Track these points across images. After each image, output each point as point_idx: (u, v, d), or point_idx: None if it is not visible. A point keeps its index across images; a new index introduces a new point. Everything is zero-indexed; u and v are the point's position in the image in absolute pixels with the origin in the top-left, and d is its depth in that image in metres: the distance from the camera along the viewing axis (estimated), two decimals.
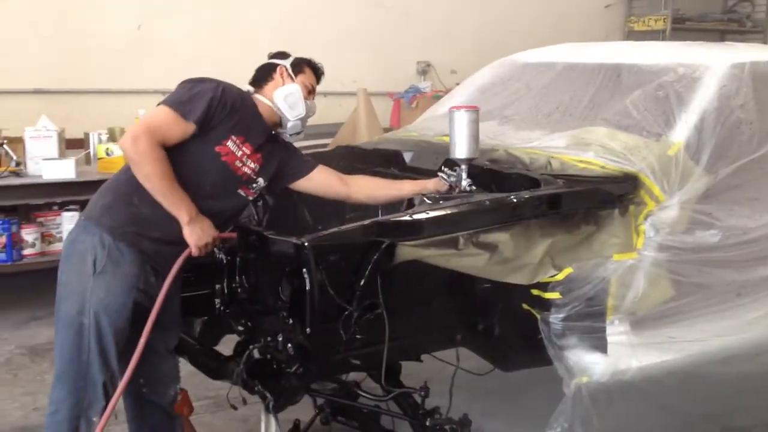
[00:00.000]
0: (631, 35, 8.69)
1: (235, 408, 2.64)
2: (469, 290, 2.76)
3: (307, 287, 2.35)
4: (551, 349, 2.69)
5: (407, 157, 3.33)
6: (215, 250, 2.70)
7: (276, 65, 2.87)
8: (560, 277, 2.66)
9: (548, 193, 2.71)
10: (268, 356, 2.53)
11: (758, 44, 4.98)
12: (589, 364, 2.75)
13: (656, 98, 3.12)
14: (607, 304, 2.73)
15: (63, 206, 5.06)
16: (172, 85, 2.72)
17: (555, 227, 2.67)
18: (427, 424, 2.85)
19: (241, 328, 2.77)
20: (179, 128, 2.55)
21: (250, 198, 2.81)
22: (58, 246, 4.96)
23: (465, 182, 2.82)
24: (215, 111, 2.58)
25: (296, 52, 2.95)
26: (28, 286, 5.31)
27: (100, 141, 5.25)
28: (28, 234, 4.95)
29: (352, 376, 3.14)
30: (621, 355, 2.79)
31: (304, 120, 2.87)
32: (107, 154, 5.06)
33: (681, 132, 2.98)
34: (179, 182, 2.54)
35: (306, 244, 2.35)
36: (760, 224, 3.05)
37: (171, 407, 2.85)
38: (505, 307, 2.83)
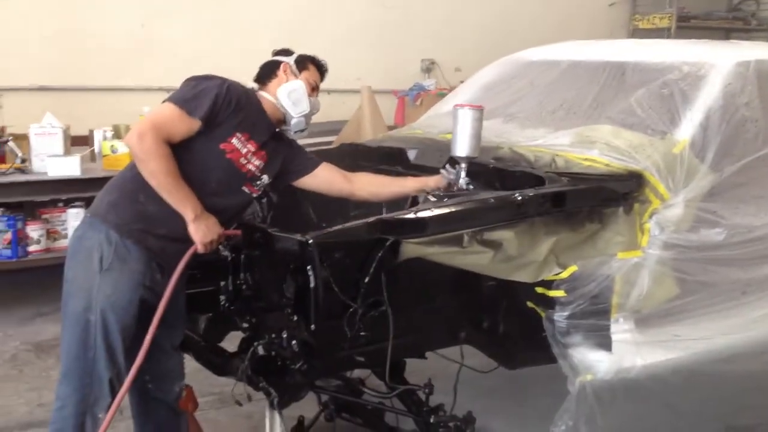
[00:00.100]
0: (636, 33, 8.67)
1: (239, 404, 2.65)
2: (473, 288, 2.76)
3: (312, 284, 2.36)
4: (556, 346, 2.69)
5: (411, 154, 3.33)
6: (220, 247, 2.70)
7: (280, 62, 2.88)
8: (565, 275, 2.65)
9: (553, 191, 2.70)
10: (273, 353, 2.54)
11: (763, 42, 4.96)
12: (593, 362, 2.74)
13: (661, 96, 3.11)
14: (612, 302, 2.73)
15: (68, 203, 5.07)
16: (176, 83, 2.72)
17: (559, 225, 2.67)
18: (431, 421, 2.85)
19: (245, 325, 2.77)
20: (184, 125, 2.55)
21: (255, 195, 2.81)
22: (63, 243, 4.97)
23: (463, 180, 2.82)
24: (220, 108, 2.59)
25: (300, 50, 2.95)
26: (34, 282, 5.33)
27: (104, 138, 5.25)
28: (34, 231, 4.97)
29: (357, 373, 3.15)
30: (625, 353, 2.78)
31: (308, 117, 2.87)
32: (112, 151, 5.08)
33: (686, 130, 2.98)
34: (184, 179, 2.55)
35: (310, 241, 2.35)
36: (765, 222, 3.04)
37: (176, 403, 2.86)
38: (509, 305, 2.83)
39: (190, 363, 2.94)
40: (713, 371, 3.04)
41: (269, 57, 2.94)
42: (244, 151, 2.67)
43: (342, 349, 2.50)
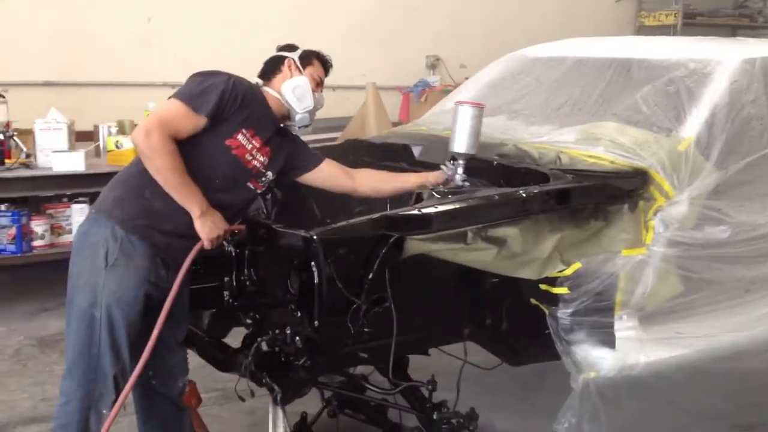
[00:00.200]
0: (642, 30, 8.64)
1: (243, 400, 2.65)
2: (477, 285, 2.76)
3: (316, 280, 2.35)
4: (559, 344, 2.69)
5: (416, 151, 3.32)
6: (224, 242, 2.71)
7: (284, 57, 2.87)
8: (569, 272, 2.65)
9: (557, 188, 2.70)
10: (276, 349, 2.54)
11: None
12: (597, 360, 2.74)
13: (667, 93, 3.11)
14: (616, 299, 2.73)
15: (72, 198, 5.08)
16: (181, 78, 2.72)
17: (564, 222, 2.67)
18: (435, 417, 2.85)
19: (249, 321, 2.78)
20: (191, 122, 2.55)
21: (259, 191, 2.81)
22: (67, 238, 4.99)
23: (459, 177, 2.82)
24: (226, 104, 2.58)
25: (305, 46, 2.94)
26: (38, 277, 5.34)
27: (109, 133, 5.26)
28: (38, 226, 4.98)
29: (360, 369, 3.15)
30: (629, 350, 2.78)
31: (312, 113, 2.87)
32: (117, 146, 5.08)
33: (691, 127, 2.97)
34: (190, 175, 2.55)
35: (315, 237, 2.35)
36: None
37: (179, 399, 2.86)
38: (513, 302, 2.83)
39: (193, 359, 2.94)
40: (717, 369, 3.04)
41: (274, 53, 2.93)
42: (249, 147, 2.67)
43: (345, 346, 2.50)
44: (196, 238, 2.57)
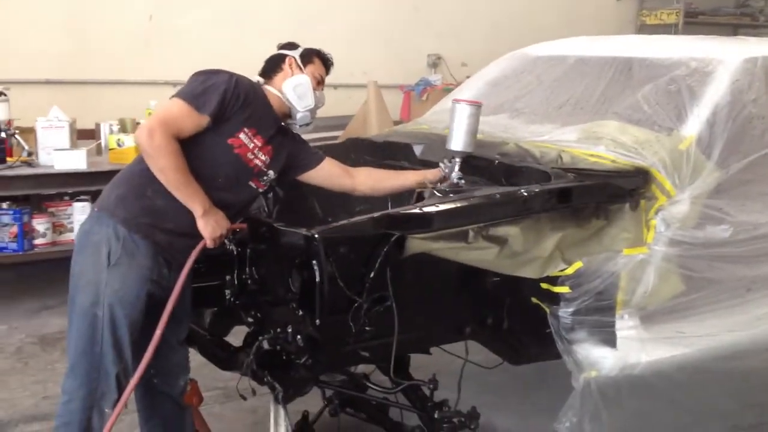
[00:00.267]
0: (643, 29, 8.65)
1: (244, 398, 2.66)
2: (478, 283, 2.76)
3: (317, 279, 2.35)
4: (560, 343, 2.69)
5: (417, 149, 3.32)
6: (226, 241, 2.71)
7: (285, 56, 2.87)
8: (570, 271, 2.66)
9: (558, 187, 2.70)
10: (278, 347, 2.54)
11: None
12: (598, 359, 2.74)
13: (668, 92, 3.10)
14: (617, 298, 2.73)
15: (74, 196, 5.09)
16: (183, 77, 2.72)
17: (565, 221, 2.67)
18: (436, 416, 2.86)
19: (251, 320, 2.78)
20: (193, 121, 2.55)
21: (261, 190, 2.81)
22: (69, 236, 5.00)
23: (455, 175, 2.82)
24: (229, 104, 2.58)
25: (307, 44, 2.94)
26: (39, 275, 5.35)
27: (111, 132, 5.27)
28: (40, 224, 4.99)
29: (361, 368, 3.15)
30: (630, 349, 2.78)
31: (313, 111, 2.87)
32: (118, 144, 5.09)
33: (693, 126, 2.97)
34: (192, 174, 2.55)
35: (316, 235, 2.35)
36: None
37: (181, 398, 2.86)
38: (514, 301, 2.83)
39: (195, 357, 2.94)
40: (718, 368, 3.04)
41: (275, 51, 2.93)
42: (251, 146, 2.67)
43: (347, 344, 2.50)
44: (198, 236, 2.57)
